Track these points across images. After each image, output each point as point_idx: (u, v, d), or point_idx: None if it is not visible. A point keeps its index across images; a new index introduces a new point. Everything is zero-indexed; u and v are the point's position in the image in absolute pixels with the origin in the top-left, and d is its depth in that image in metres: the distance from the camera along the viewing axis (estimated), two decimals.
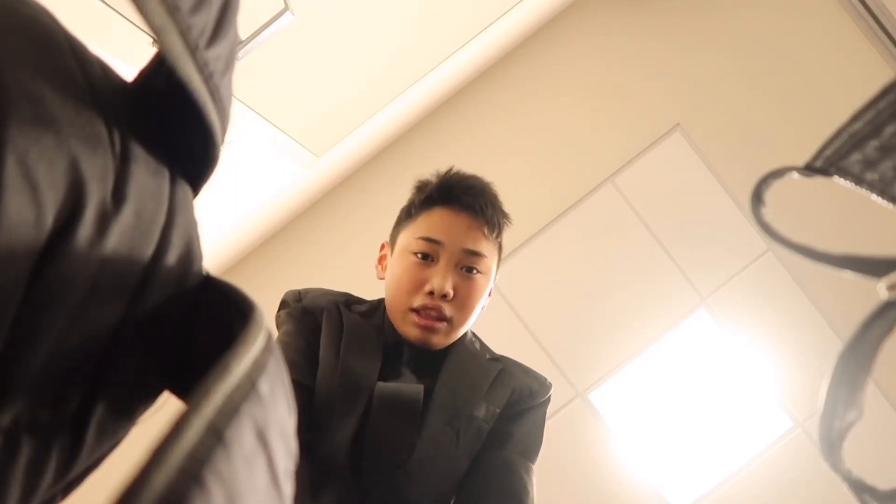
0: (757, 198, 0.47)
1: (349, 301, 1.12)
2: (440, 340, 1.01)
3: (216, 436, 0.21)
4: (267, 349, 0.27)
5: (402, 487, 0.92)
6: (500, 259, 1.09)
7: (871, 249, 0.44)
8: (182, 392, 0.30)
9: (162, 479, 0.19)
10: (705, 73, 2.93)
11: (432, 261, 1.00)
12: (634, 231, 2.92)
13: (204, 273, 0.31)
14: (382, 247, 1.13)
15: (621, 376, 2.89)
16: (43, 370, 0.24)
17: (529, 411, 1.05)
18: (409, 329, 1.00)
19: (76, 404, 0.26)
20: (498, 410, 1.02)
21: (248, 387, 0.24)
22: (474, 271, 1.01)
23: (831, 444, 0.42)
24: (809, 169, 0.47)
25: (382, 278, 1.08)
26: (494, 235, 1.04)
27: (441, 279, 0.98)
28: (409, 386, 0.96)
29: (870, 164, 0.45)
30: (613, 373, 2.89)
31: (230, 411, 0.22)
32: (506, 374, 1.06)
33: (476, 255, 1.00)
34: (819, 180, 0.48)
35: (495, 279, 1.08)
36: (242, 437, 0.23)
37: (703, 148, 2.91)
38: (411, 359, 1.02)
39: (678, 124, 2.93)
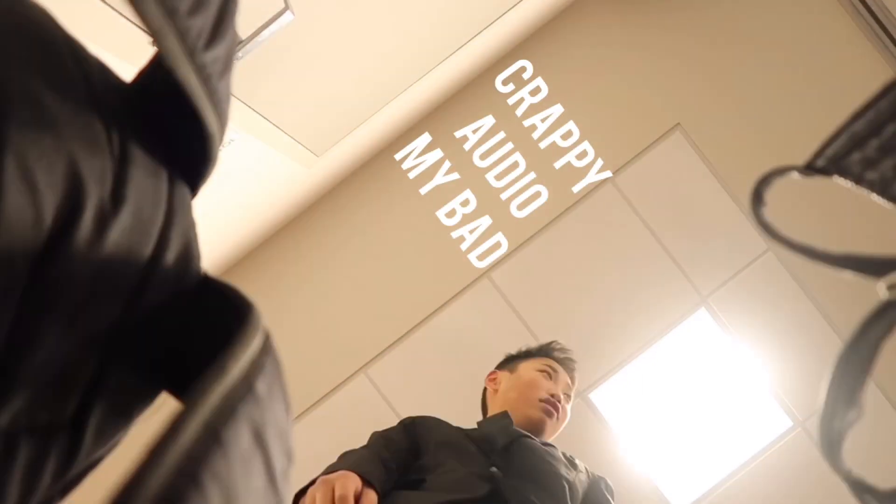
0: (757, 197, 0.47)
1: None
2: (552, 427, 1.50)
3: (213, 436, 0.21)
4: (265, 350, 0.27)
5: None
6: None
7: (871, 249, 0.44)
8: (180, 393, 0.30)
9: (159, 478, 0.19)
10: (705, 73, 2.93)
11: (551, 379, 1.55)
12: (635, 231, 2.92)
13: (202, 273, 0.31)
14: (494, 374, 1.63)
15: (622, 376, 2.89)
16: (42, 371, 0.24)
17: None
18: (536, 412, 1.48)
19: (75, 405, 0.26)
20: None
21: (246, 387, 0.24)
22: (569, 398, 1.58)
23: (831, 443, 0.42)
24: (810, 168, 0.47)
25: (496, 390, 1.59)
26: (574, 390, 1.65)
27: (558, 390, 1.53)
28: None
29: (870, 163, 0.45)
30: (614, 372, 2.89)
31: (227, 411, 0.22)
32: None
33: (570, 390, 1.60)
34: (819, 180, 0.47)
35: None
36: (239, 438, 0.23)
37: (703, 148, 2.91)
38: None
39: (678, 124, 2.93)
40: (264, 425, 0.25)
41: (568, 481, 1.33)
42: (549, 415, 1.48)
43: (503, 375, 1.61)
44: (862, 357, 0.41)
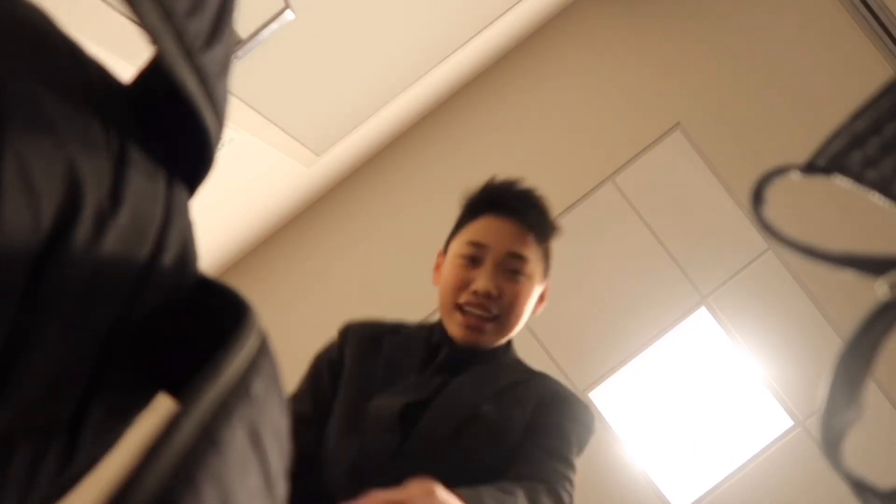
0: (757, 197, 0.47)
1: (399, 327, 1.16)
2: (489, 340, 1.03)
3: (208, 436, 0.21)
4: (261, 350, 0.27)
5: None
6: (548, 265, 1.11)
7: (872, 248, 0.44)
8: (177, 394, 0.30)
9: (154, 479, 0.19)
10: (705, 72, 2.93)
11: (478, 264, 1.02)
12: (635, 230, 2.92)
13: (199, 274, 0.31)
14: (439, 255, 1.14)
15: (621, 375, 2.89)
16: (40, 372, 0.24)
17: (553, 412, 1.02)
18: (456, 329, 1.02)
19: (73, 406, 0.26)
20: (516, 413, 1.01)
21: (242, 388, 0.24)
22: (519, 274, 1.02)
23: (831, 442, 0.42)
24: (810, 167, 0.47)
25: (438, 285, 1.11)
26: (539, 240, 1.06)
27: (485, 280, 1.00)
28: (387, 403, 0.99)
29: (870, 162, 0.45)
30: (614, 372, 2.89)
31: (223, 412, 0.23)
32: (533, 383, 1.05)
33: (519, 258, 1.02)
34: (819, 179, 0.47)
35: (547, 284, 1.10)
36: (235, 438, 0.23)
37: (703, 147, 2.91)
38: (447, 363, 1.04)
39: (678, 124, 2.92)
40: (260, 426, 0.25)
41: (485, 417, 0.97)
42: (474, 331, 1.00)
43: (442, 260, 1.12)
44: (862, 357, 0.41)
